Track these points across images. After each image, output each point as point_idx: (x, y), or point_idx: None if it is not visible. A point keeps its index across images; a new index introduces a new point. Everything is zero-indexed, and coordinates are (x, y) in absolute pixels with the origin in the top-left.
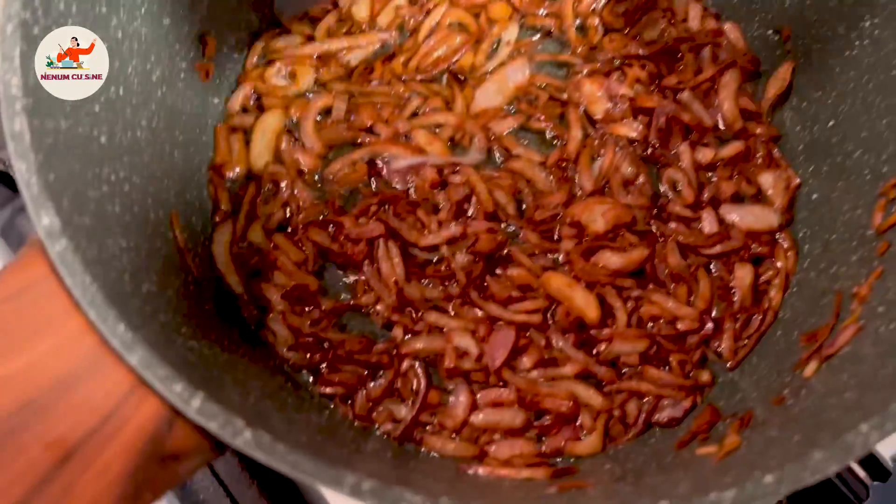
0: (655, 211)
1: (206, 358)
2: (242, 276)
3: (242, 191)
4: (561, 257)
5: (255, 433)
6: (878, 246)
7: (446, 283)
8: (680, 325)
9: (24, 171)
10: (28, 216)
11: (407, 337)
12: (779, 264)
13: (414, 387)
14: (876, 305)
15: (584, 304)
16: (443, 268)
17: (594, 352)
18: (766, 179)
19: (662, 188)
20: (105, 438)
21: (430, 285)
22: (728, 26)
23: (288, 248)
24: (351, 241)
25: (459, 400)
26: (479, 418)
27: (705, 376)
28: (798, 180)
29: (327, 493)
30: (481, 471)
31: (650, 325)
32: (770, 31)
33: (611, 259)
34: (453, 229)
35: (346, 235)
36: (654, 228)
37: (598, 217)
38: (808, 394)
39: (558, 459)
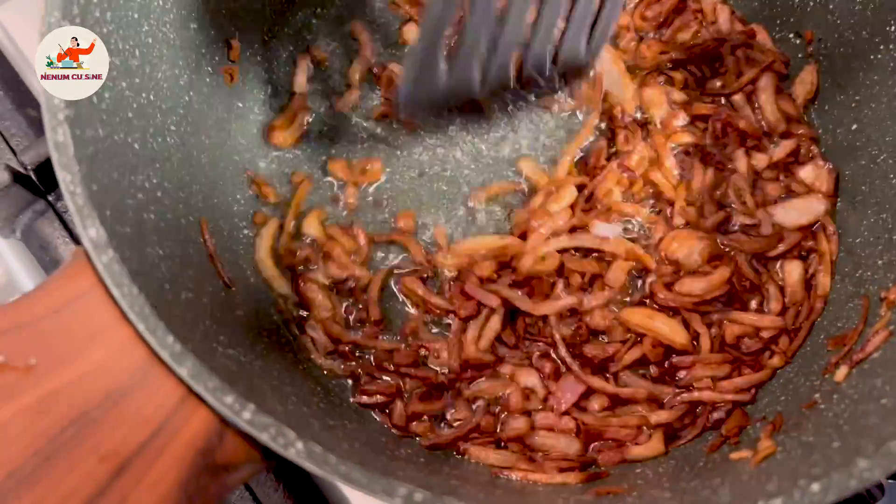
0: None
1: (244, 365)
2: (288, 275)
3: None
4: (644, 291)
5: (307, 444)
6: None
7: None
8: (764, 334)
9: (68, 182)
10: (48, 219)
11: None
12: (824, 247)
13: (473, 420)
14: None
15: (671, 331)
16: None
17: (675, 378)
18: (807, 172)
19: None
20: (157, 451)
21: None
22: (756, 27)
23: (342, 238)
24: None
25: (515, 425)
26: (533, 439)
27: (776, 360)
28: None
29: (350, 495)
30: (514, 475)
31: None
32: (792, 35)
33: (694, 285)
34: (569, 300)
35: (461, 292)
36: (725, 243)
37: (693, 252)
38: (841, 399)
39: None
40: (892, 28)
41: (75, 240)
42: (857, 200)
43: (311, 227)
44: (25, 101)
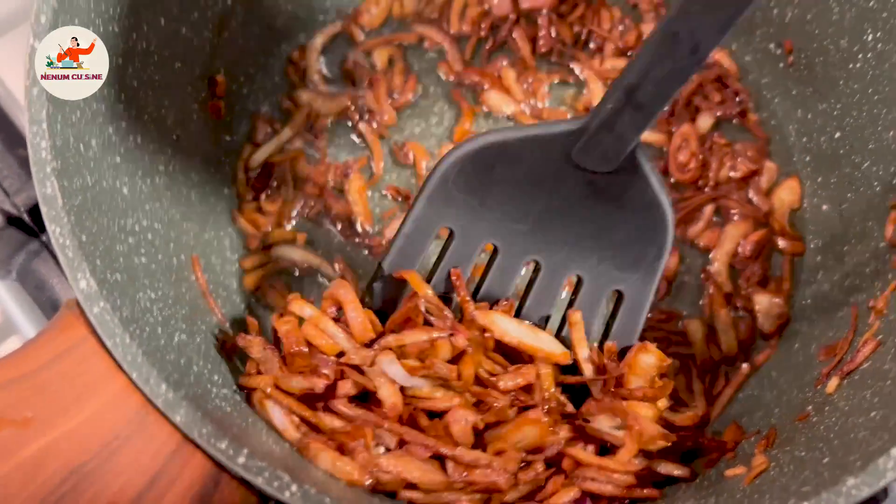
0: None
1: (239, 404)
2: None
3: None
4: None
5: (301, 487)
6: (893, 258)
7: None
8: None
9: (58, 235)
10: (44, 259)
11: None
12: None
13: None
14: (894, 319)
15: None
16: None
17: None
18: (762, 300)
19: None
20: (154, 500)
21: None
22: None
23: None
24: None
25: None
26: None
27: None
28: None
29: None
30: None
31: None
32: (772, 45)
33: None
34: None
35: None
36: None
37: None
38: (833, 411)
39: None
40: (869, 37)
41: None
42: (843, 209)
43: None
44: (16, 141)
